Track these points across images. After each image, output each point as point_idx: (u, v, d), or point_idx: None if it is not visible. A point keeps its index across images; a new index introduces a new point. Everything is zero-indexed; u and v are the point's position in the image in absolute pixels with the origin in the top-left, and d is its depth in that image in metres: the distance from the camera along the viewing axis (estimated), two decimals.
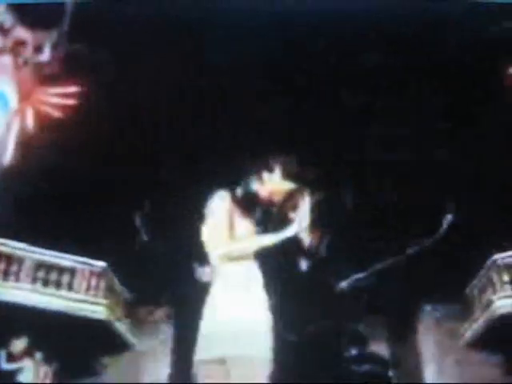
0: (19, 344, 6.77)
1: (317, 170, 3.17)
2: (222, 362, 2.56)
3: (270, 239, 2.67)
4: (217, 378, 2.55)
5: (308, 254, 2.67)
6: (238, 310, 2.60)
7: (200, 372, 2.62)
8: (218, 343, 2.57)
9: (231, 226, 2.68)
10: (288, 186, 2.80)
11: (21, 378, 6.73)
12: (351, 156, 8.00)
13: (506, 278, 7.58)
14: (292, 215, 2.65)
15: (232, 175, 2.90)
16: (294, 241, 2.63)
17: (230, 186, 2.76)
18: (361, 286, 8.41)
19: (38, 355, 6.91)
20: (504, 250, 7.71)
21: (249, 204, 2.74)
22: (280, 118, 7.57)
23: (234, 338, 2.56)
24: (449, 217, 8.86)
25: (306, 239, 2.64)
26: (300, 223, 2.65)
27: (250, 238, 2.72)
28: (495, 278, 7.69)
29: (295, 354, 6.67)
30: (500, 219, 8.08)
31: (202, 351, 2.63)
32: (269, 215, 2.77)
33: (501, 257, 7.68)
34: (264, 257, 2.66)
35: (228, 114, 7.61)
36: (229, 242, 2.65)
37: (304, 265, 2.68)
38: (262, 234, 2.71)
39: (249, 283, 2.68)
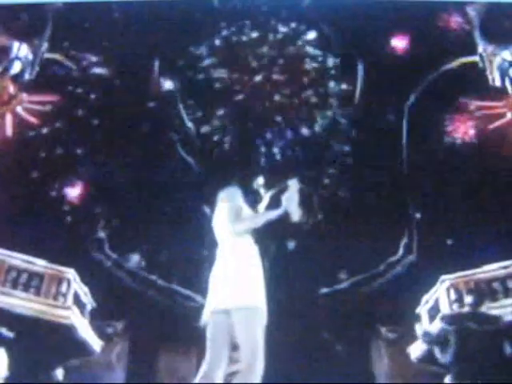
0: None
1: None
2: (226, 312, 3.00)
3: (267, 217, 3.24)
4: (222, 327, 3.00)
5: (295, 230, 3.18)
6: (242, 271, 3.07)
7: (210, 321, 3.08)
8: (223, 297, 3.02)
9: (241, 209, 3.25)
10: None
11: None
12: None
13: (453, 296, 8.12)
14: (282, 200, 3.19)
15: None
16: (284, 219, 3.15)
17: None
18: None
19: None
20: (452, 271, 8.29)
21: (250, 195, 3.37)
22: None
23: (236, 293, 3.01)
24: (405, 241, 9.44)
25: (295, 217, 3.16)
26: (288, 205, 3.21)
27: (252, 218, 3.28)
28: (444, 297, 8.22)
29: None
30: (449, 244, 8.74)
31: (211, 303, 3.09)
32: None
33: (449, 277, 8.25)
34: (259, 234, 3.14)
35: None
36: (239, 221, 3.19)
37: (291, 245, 3.19)
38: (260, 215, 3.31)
39: (250, 252, 3.18)
